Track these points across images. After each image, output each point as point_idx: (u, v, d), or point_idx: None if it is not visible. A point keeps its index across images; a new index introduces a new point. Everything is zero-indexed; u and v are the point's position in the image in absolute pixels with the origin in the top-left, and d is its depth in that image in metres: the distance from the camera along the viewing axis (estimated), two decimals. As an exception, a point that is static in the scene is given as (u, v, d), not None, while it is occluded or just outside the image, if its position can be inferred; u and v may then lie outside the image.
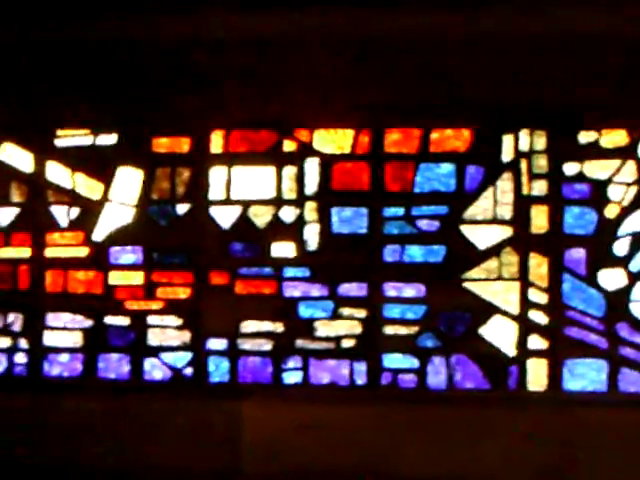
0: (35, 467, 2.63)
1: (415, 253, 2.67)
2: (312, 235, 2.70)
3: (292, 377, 2.71)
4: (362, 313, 2.68)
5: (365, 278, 2.68)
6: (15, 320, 2.82)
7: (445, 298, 2.62)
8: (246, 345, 2.72)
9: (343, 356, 2.69)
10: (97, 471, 2.60)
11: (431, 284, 2.63)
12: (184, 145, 2.74)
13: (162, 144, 2.75)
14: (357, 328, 2.69)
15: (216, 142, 2.72)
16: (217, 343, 2.74)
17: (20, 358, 2.82)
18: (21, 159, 2.80)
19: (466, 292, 2.61)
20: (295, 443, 2.52)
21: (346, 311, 2.71)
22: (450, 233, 2.61)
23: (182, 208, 2.75)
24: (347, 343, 2.70)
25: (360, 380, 2.69)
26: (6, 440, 2.64)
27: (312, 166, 2.70)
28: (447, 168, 2.63)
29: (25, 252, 2.81)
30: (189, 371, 2.75)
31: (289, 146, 2.70)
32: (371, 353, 2.68)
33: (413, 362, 2.65)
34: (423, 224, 2.65)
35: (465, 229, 2.62)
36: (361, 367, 2.69)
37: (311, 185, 2.70)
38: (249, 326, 2.72)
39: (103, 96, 2.69)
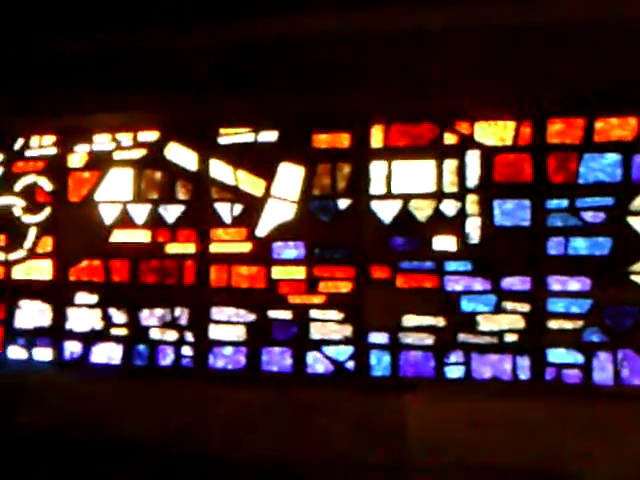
0: (197, 458, 3.40)
1: (580, 245, 3.18)
2: (474, 228, 3.33)
3: (454, 371, 3.34)
4: (525, 307, 3.26)
5: (528, 271, 3.25)
6: (181, 314, 3.68)
7: (611, 292, 3.12)
8: (408, 339, 3.38)
9: (506, 351, 3.28)
10: (259, 463, 3.28)
11: (597, 277, 3.14)
12: (344, 140, 3.46)
13: (323, 140, 3.48)
14: (520, 322, 3.28)
15: (376, 137, 3.42)
16: (379, 337, 3.42)
17: (186, 351, 3.68)
18: (186, 158, 3.64)
19: (633, 285, 3.11)
20: (459, 438, 3.10)
21: (509, 305, 3.30)
22: (616, 225, 3.11)
23: (343, 203, 3.47)
24: (510, 337, 3.28)
25: (523, 375, 3.26)
26: (170, 431, 3.44)
27: (473, 158, 3.34)
28: (612, 158, 3.14)
29: (190, 248, 3.66)
30: (351, 365, 3.45)
31: (450, 139, 3.34)
32: (535, 348, 3.24)
33: (578, 357, 3.16)
34: (588, 216, 3.18)
35: (632, 220, 3.13)
36: (524, 362, 3.26)
37: (472, 178, 3.34)
38: (411, 320, 3.38)
39: (264, 94, 3.41)
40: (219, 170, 3.63)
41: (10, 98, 3.69)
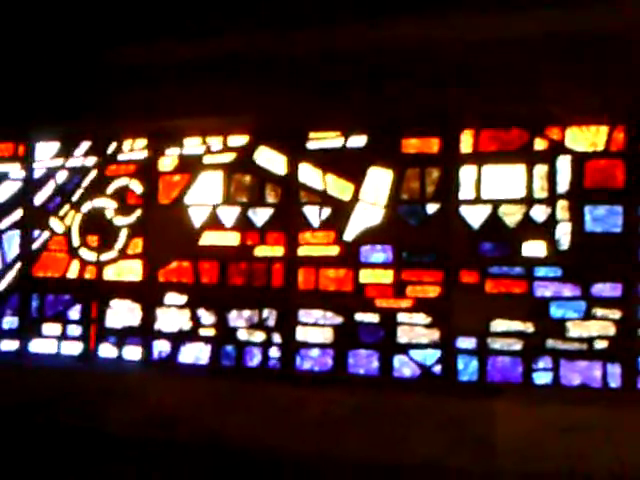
0: (283, 458, 4.05)
1: (674, 252, 3.56)
2: (564, 234, 3.94)
3: (542, 377, 3.96)
4: (616, 314, 3.81)
5: (620, 278, 3.83)
6: (269, 316, 4.48)
7: None
8: (496, 344, 4.05)
9: (596, 357, 3.85)
10: (346, 465, 3.90)
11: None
12: (434, 145, 4.17)
13: (412, 145, 4.20)
14: (611, 329, 3.83)
15: (466, 142, 4.10)
16: (466, 342, 4.09)
17: (274, 352, 4.46)
18: (275, 162, 4.43)
19: None
20: (548, 443, 3.67)
21: (599, 312, 3.87)
22: None
23: (432, 207, 4.17)
24: (600, 344, 3.85)
25: (614, 383, 3.79)
26: (255, 431, 4.18)
27: (564, 164, 3.98)
28: None
29: (279, 251, 4.45)
30: (438, 369, 4.12)
31: (540, 144, 4.00)
32: (626, 355, 3.79)
33: (671, 366, 3.53)
34: (682, 222, 3.55)
35: None
36: (615, 369, 3.81)
37: (563, 183, 3.97)
38: (499, 325, 4.02)
39: (353, 99, 4.15)
40: (308, 174, 4.40)
41: (103, 103, 4.59)
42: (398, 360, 4.25)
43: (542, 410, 3.77)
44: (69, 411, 4.54)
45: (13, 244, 5.04)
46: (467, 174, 4.13)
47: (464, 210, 4.14)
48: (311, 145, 4.39)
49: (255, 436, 4.13)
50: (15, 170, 5.06)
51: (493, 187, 4.08)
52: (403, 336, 4.24)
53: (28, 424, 4.53)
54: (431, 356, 4.20)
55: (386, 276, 4.30)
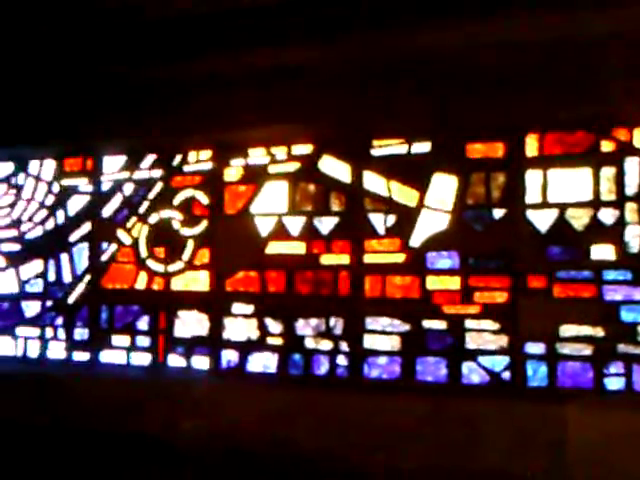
0: (353, 466, 4.58)
1: None
2: (633, 237, 4.34)
3: (614, 383, 4.35)
4: None
5: None
6: (336, 324, 5.05)
7: None
8: (565, 349, 4.50)
9: None
10: (417, 473, 4.40)
11: None
12: (498, 150, 4.71)
13: (476, 150, 4.72)
14: None
15: (531, 145, 4.60)
16: (535, 347, 4.55)
17: (341, 360, 5.01)
18: (339, 170, 5.00)
19: None
20: (620, 451, 4.05)
21: None
22: None
23: (498, 212, 4.66)
24: None
25: None
26: (325, 439, 4.68)
27: (632, 166, 4.39)
28: None
29: (345, 259, 5.02)
30: (507, 375, 4.59)
31: (607, 146, 4.42)
32: None
33: None
34: None
35: None
36: None
37: (631, 185, 4.38)
38: (568, 330, 4.45)
39: (416, 105, 4.67)
40: (372, 181, 4.94)
41: (168, 116, 5.21)
42: (466, 367, 4.73)
43: (614, 416, 4.14)
44: (138, 421, 5.14)
45: (82, 257, 5.74)
46: (533, 178, 4.59)
47: (531, 214, 4.60)
48: (375, 152, 4.93)
49: (324, 445, 4.63)
50: (83, 184, 5.76)
51: (560, 190, 4.54)
52: (471, 342, 4.73)
53: (98, 434, 5.16)
54: (500, 362, 4.66)
55: (453, 282, 4.80)
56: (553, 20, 4.18)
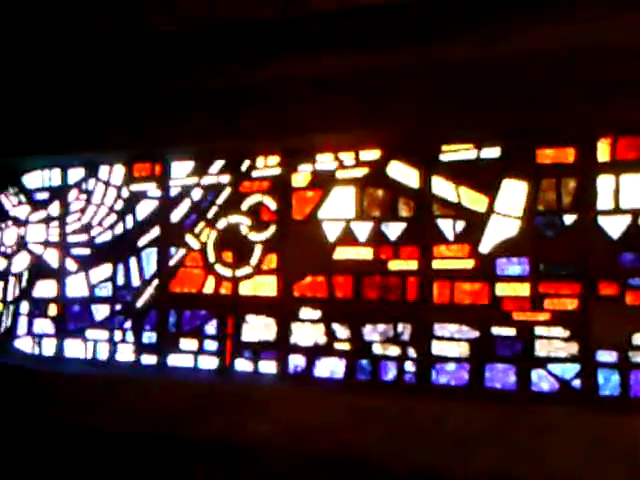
0: (422, 473, 4.71)
1: None
2: None
3: None
4: None
5: None
6: (404, 330, 5.18)
7: None
8: (638, 358, 4.50)
9: None
10: (484, 479, 4.55)
11: None
12: (569, 155, 4.77)
13: (547, 155, 4.77)
14: None
15: (603, 150, 4.63)
16: (607, 355, 4.58)
17: (409, 366, 5.13)
18: (408, 175, 5.12)
19: None
20: None
21: None
22: None
23: (569, 218, 4.72)
24: None
25: None
26: (393, 446, 4.85)
27: None
28: None
29: (413, 264, 5.13)
30: (577, 383, 4.63)
31: None
32: None
33: None
34: None
35: None
36: None
37: None
38: None
39: (487, 110, 4.75)
40: (441, 187, 5.05)
41: (236, 121, 5.41)
42: (536, 374, 4.80)
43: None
44: (205, 425, 5.33)
45: (151, 261, 5.95)
46: (605, 183, 4.64)
47: (602, 220, 4.64)
48: (444, 157, 5.03)
49: (391, 451, 4.79)
50: (152, 189, 5.96)
51: (632, 196, 4.57)
52: (541, 350, 4.81)
53: (165, 437, 5.38)
54: (570, 370, 4.72)
55: (523, 289, 4.88)
56: (630, 21, 4.25)
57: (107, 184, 6.26)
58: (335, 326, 5.35)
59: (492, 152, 4.98)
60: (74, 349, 6.33)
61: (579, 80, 4.48)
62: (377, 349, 5.24)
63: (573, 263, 4.77)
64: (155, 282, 6.02)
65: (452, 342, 5.05)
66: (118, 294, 6.21)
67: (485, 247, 4.99)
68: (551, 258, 4.82)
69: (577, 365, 4.72)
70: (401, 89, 4.91)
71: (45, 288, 6.44)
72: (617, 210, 4.66)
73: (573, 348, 4.76)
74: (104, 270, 6.28)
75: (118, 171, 6.25)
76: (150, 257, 6.09)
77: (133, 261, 6.15)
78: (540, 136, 4.81)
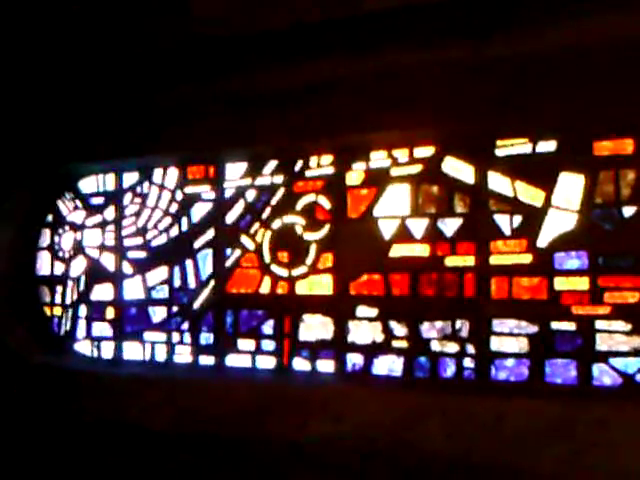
0: (483, 470, 4.71)
1: None
2: None
3: None
4: None
5: None
6: (462, 326, 5.21)
7: None
8: None
9: None
10: (544, 477, 4.58)
11: None
12: (628, 146, 4.74)
13: (604, 147, 4.77)
14: None
15: None
16: None
17: (468, 362, 5.14)
18: (462, 171, 5.15)
19: None
20: None
21: None
22: None
23: (628, 210, 4.70)
24: None
25: None
26: (454, 443, 4.92)
27: None
28: None
29: (470, 260, 5.16)
30: None
31: None
32: None
33: None
34: None
35: None
36: None
37: None
38: None
39: (541, 103, 4.80)
40: (497, 182, 5.07)
41: (289, 121, 5.52)
42: (597, 368, 4.77)
43: None
44: (264, 424, 5.39)
45: (207, 262, 6.09)
46: (665, 174, 4.20)
47: (663, 212, 4.21)
48: (499, 152, 5.04)
49: (451, 448, 4.82)
50: (206, 191, 6.10)
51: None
52: (602, 344, 4.77)
53: (224, 438, 5.49)
54: (633, 364, 4.68)
55: (582, 283, 4.87)
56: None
57: (161, 187, 6.41)
58: (392, 324, 5.39)
59: (548, 146, 4.99)
60: (132, 351, 6.48)
61: (636, 71, 4.51)
62: (435, 346, 5.27)
63: (633, 255, 4.73)
64: (211, 283, 6.13)
65: (511, 337, 5.06)
66: (175, 296, 6.34)
67: (543, 241, 4.99)
68: (610, 251, 4.80)
69: (640, 359, 4.25)
70: (455, 84, 5.03)
71: (102, 291, 6.62)
72: (677, 200, 4.21)
73: (635, 342, 4.71)
74: (160, 272, 6.42)
75: (172, 174, 6.42)
76: (206, 259, 6.20)
77: (189, 263, 6.27)
78: (597, 128, 4.82)
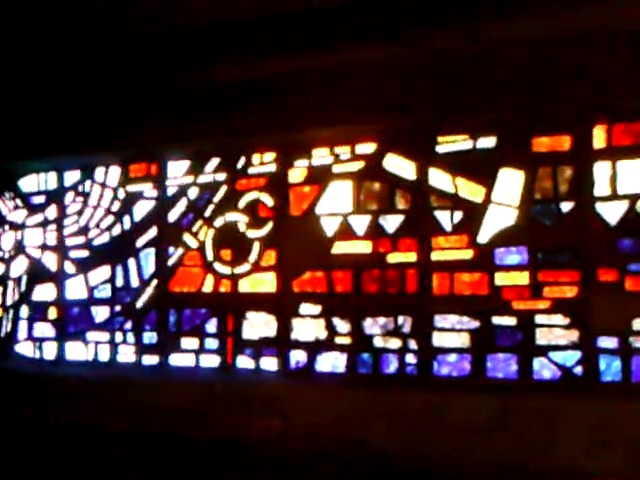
0: (424, 466, 4.77)
1: None
2: None
3: None
4: None
5: None
6: (405, 322, 5.22)
7: None
8: (639, 343, 4.62)
9: None
10: (490, 472, 4.56)
11: None
12: (565, 143, 4.81)
13: (542, 143, 4.83)
14: None
15: (599, 137, 4.67)
16: (607, 341, 4.63)
17: (410, 358, 5.18)
18: (404, 167, 5.18)
19: None
20: None
21: None
22: None
23: (566, 206, 4.77)
24: None
25: None
26: (394, 438, 4.97)
27: None
28: None
29: (411, 257, 5.18)
30: (579, 370, 4.67)
31: None
32: None
33: None
34: None
35: None
36: None
37: None
38: None
39: (481, 100, 4.83)
40: (438, 178, 5.10)
41: (231, 119, 5.51)
42: (538, 362, 4.85)
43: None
44: (209, 423, 5.44)
45: (149, 261, 6.01)
46: (601, 170, 4.69)
47: (600, 207, 4.68)
48: (440, 149, 5.09)
49: (395, 444, 4.89)
50: (148, 189, 6.02)
51: (630, 182, 4.62)
52: (542, 338, 4.85)
53: (168, 437, 5.45)
54: (571, 357, 4.77)
55: (522, 278, 4.93)
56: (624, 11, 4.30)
57: (103, 185, 6.33)
58: (335, 321, 5.41)
59: (488, 142, 5.04)
60: (75, 352, 6.40)
61: (572, 68, 4.59)
62: (378, 342, 5.29)
63: (572, 250, 4.83)
64: (154, 282, 6.08)
65: (453, 333, 5.11)
66: (117, 295, 6.26)
67: (483, 237, 5.04)
68: (549, 246, 4.88)
69: (578, 352, 4.78)
70: (396, 82, 5.06)
71: (44, 292, 6.49)
72: (614, 196, 4.72)
73: (574, 335, 4.81)
74: (103, 272, 6.33)
75: (114, 172, 6.31)
76: (148, 257, 6.12)
77: (132, 262, 6.20)
78: (535, 125, 4.90)
